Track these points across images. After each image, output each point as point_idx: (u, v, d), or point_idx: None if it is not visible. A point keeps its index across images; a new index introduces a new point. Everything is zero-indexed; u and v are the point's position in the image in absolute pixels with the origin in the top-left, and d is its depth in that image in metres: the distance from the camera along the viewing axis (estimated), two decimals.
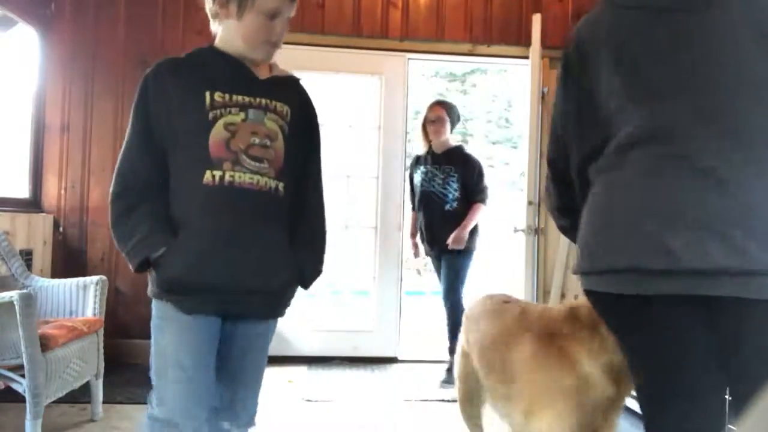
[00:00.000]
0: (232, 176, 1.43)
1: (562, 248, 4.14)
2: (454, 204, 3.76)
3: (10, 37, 3.82)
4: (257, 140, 1.48)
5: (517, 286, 4.08)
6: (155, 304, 1.50)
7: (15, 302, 2.28)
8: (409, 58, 4.25)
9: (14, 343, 2.32)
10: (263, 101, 1.51)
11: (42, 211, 3.81)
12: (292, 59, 4.05)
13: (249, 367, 1.59)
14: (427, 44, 4.21)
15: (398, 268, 4.27)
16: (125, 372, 3.56)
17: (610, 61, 1.26)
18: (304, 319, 4.09)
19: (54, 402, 2.53)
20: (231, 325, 1.52)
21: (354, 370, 3.97)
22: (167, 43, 3.99)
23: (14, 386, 2.38)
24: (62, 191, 3.92)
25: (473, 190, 3.81)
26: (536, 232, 3.96)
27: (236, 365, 1.56)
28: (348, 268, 4.31)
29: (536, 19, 3.95)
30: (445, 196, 3.77)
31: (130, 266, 1.46)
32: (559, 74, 1.42)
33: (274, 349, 4.19)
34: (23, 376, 2.34)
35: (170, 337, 1.46)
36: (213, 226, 1.43)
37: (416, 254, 4.06)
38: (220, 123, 1.45)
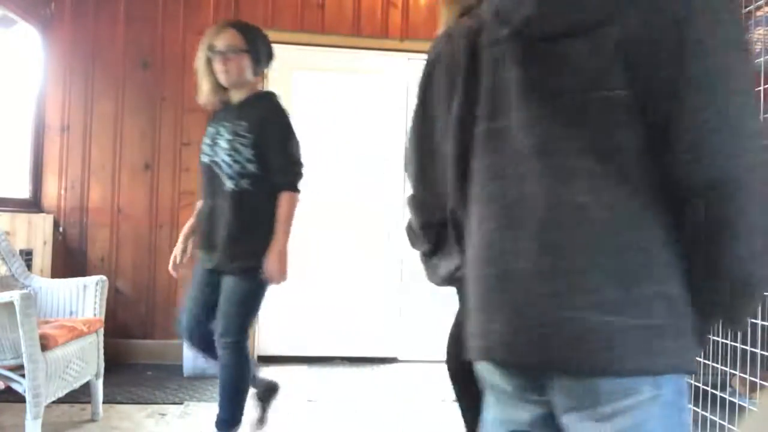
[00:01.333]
0: None
1: None
2: (243, 182, 2.26)
3: (10, 37, 3.82)
4: None
5: None
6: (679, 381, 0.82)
7: (15, 302, 2.28)
8: (409, 58, 4.24)
9: (14, 343, 2.32)
10: None
11: (42, 211, 3.81)
12: (292, 59, 4.08)
13: None
14: (427, 44, 4.15)
15: (399, 267, 4.27)
16: (125, 372, 3.56)
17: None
18: (305, 319, 4.09)
19: (54, 402, 2.53)
20: None
21: (354, 370, 3.97)
22: (167, 43, 3.99)
23: (14, 386, 2.38)
24: (62, 191, 3.92)
25: (273, 166, 2.30)
26: None
27: None
28: (348, 268, 4.31)
29: None
30: (228, 167, 2.27)
31: None
32: None
33: (274, 349, 4.19)
34: (23, 376, 2.34)
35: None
36: None
37: (175, 268, 2.48)
38: None
